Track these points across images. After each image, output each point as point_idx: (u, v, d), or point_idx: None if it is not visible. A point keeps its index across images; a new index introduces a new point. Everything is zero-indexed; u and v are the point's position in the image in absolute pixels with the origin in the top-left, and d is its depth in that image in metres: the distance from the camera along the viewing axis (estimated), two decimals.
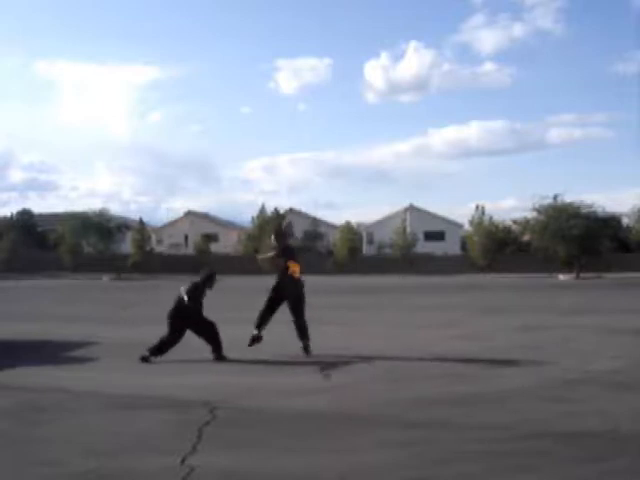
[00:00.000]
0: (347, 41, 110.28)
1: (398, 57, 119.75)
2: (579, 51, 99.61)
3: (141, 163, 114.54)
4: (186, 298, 8.97)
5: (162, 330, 9.01)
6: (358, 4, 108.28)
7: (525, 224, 42.75)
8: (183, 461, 4.58)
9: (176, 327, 8.95)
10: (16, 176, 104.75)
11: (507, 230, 49.36)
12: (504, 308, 17.52)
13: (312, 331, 9.48)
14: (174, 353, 8.94)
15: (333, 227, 57.09)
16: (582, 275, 37.44)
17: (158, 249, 55.36)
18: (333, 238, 52.36)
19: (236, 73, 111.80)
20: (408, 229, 49.61)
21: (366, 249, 56.69)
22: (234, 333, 9.63)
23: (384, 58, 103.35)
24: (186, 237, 59.45)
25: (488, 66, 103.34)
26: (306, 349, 9.31)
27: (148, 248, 49.03)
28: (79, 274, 42.01)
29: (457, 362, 8.70)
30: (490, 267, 43.03)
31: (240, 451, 4.90)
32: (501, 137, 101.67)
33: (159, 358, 8.80)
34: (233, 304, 16.92)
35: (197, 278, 9.30)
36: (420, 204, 57.92)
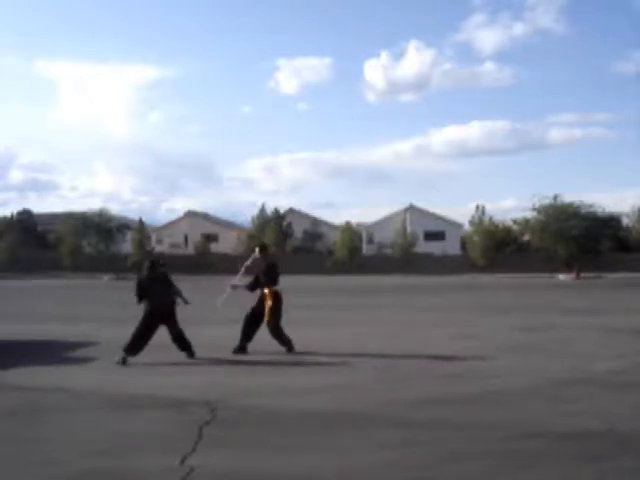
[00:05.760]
0: (347, 41, 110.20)
1: (398, 56, 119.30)
2: (580, 50, 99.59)
3: (141, 163, 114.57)
4: None
5: (162, 330, 9.04)
6: (358, 4, 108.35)
7: (525, 224, 42.79)
8: (183, 461, 4.58)
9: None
10: (16, 176, 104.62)
11: (507, 230, 49.36)
12: (504, 308, 17.53)
13: (311, 331, 9.47)
14: (175, 353, 8.97)
15: (333, 227, 57.05)
16: (582, 275, 37.47)
17: (158, 249, 55.31)
18: (333, 238, 52.34)
19: (236, 73, 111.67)
20: (408, 229, 49.61)
21: (366, 249, 56.62)
22: (233, 333, 9.63)
23: (384, 57, 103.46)
24: (186, 237, 59.42)
25: (489, 65, 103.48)
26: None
27: (148, 248, 49.02)
28: (79, 274, 41.99)
29: (457, 362, 8.70)
30: (490, 267, 43.00)
31: (240, 451, 4.90)
32: (502, 137, 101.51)
33: (158, 358, 8.82)
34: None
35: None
36: (420, 204, 58.01)
